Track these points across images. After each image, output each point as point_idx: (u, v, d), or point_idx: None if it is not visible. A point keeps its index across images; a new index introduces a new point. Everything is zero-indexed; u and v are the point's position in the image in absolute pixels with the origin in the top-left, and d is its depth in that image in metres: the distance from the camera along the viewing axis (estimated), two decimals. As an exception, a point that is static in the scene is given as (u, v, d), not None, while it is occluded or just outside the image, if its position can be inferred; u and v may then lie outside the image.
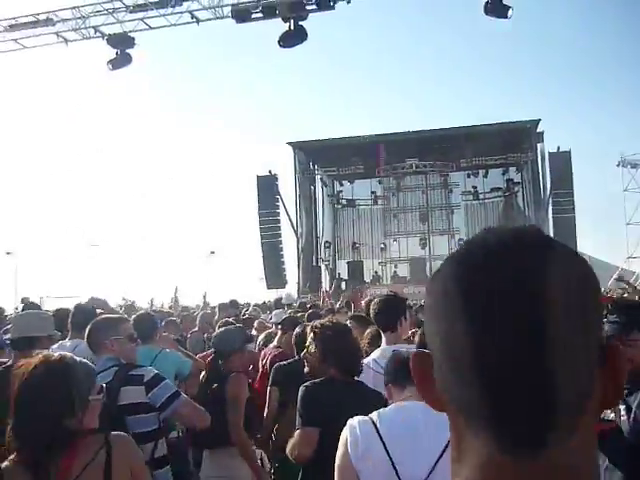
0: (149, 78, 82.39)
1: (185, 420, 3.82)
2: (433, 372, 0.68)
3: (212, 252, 41.03)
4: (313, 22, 15.03)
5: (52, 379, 2.18)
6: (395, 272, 32.61)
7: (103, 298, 6.25)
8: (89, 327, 3.68)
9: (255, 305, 13.97)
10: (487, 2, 14.06)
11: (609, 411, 2.65)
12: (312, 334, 3.54)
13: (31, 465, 2.08)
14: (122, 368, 3.44)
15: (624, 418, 2.60)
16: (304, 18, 14.86)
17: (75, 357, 2.37)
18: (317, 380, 3.36)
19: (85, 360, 2.46)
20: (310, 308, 10.19)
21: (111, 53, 16.16)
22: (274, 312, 10.13)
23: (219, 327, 6.00)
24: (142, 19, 16.32)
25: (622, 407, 2.62)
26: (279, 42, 14.98)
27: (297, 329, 5.04)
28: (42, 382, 2.16)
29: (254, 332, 8.35)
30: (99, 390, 2.38)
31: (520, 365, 0.60)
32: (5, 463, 2.11)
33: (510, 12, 14.04)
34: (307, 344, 3.58)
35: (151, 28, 16.59)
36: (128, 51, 16.21)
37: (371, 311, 4.44)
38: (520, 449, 0.61)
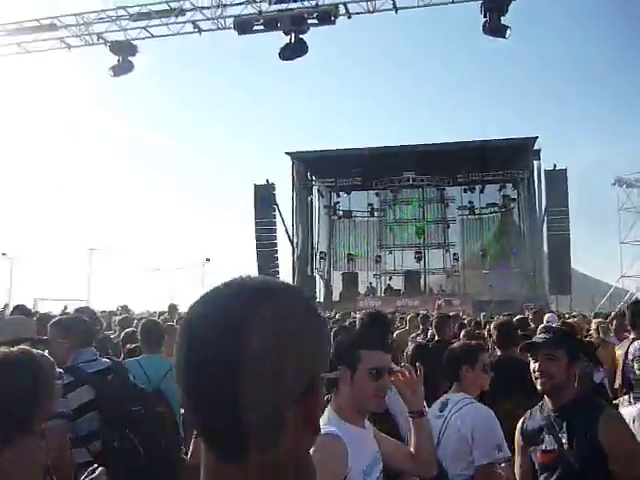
0: (151, 86, 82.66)
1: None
2: None
3: (207, 259, 41.13)
4: (314, 35, 15.21)
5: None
6: (389, 284, 32.66)
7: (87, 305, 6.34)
8: None
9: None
10: (486, 22, 14.25)
11: (549, 443, 2.78)
12: None
13: None
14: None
15: (567, 445, 2.70)
16: (305, 31, 15.00)
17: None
18: None
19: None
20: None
21: (113, 60, 16.30)
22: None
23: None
24: (145, 27, 16.48)
25: (563, 435, 2.72)
26: (280, 55, 15.12)
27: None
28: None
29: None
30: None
31: (211, 401, 0.80)
32: None
33: (508, 32, 14.22)
34: None
35: (154, 36, 16.75)
36: (130, 59, 16.34)
37: (357, 326, 4.52)
38: (224, 457, 0.82)
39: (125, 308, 15.19)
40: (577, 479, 2.64)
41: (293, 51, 15.13)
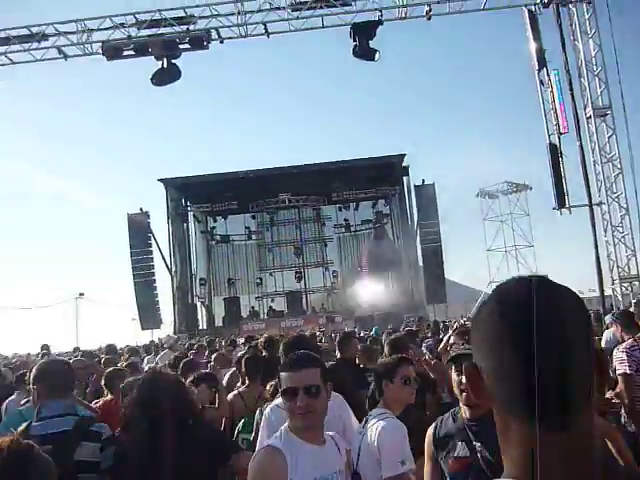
0: (12, 113, 78.31)
1: None
2: (483, 381, 0.98)
3: (81, 294, 39.32)
4: (187, 60, 15.09)
5: None
6: (271, 306, 32.66)
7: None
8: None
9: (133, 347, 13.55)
10: (355, 45, 14.78)
11: (461, 451, 2.85)
12: None
13: None
14: (83, 419, 3.21)
15: (482, 452, 2.73)
16: (177, 56, 14.86)
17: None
18: None
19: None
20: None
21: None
22: (159, 357, 9.89)
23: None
24: (4, 53, 15.64)
25: (477, 443, 2.76)
26: (152, 80, 14.86)
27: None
28: None
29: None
30: None
31: (553, 375, 0.90)
32: None
33: (377, 55, 14.84)
34: None
35: (14, 63, 15.92)
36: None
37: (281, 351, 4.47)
38: (550, 429, 0.89)
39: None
40: None
41: (165, 76, 14.93)
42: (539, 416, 0.89)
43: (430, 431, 3.05)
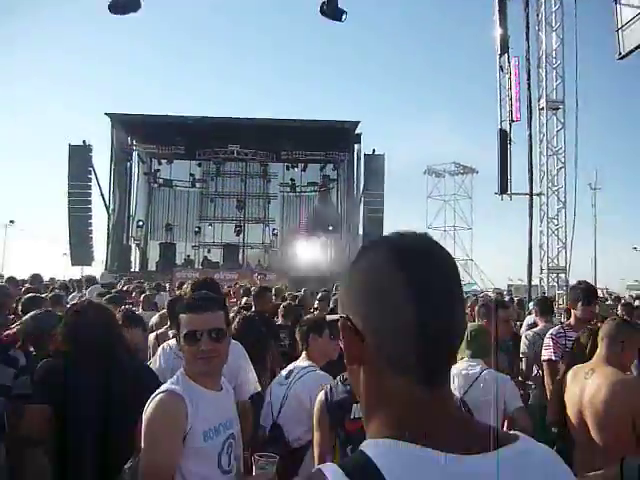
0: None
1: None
2: (357, 333, 0.94)
3: (11, 221, 38.12)
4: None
5: None
6: (206, 257, 32.40)
7: None
8: None
9: (63, 281, 13.29)
10: (323, 3, 14.51)
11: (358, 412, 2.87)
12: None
13: None
14: None
15: None
16: (138, -14, 14.26)
17: None
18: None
19: None
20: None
21: None
22: (88, 290, 9.70)
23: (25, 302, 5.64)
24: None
25: None
26: (110, 8, 14.24)
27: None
28: None
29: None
30: None
31: (443, 328, 0.91)
32: None
33: (344, 17, 14.61)
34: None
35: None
36: None
37: (187, 292, 4.43)
38: (434, 383, 0.91)
39: None
40: None
41: (125, 6, 14.34)
42: (428, 371, 0.90)
43: (321, 397, 3.07)
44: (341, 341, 0.97)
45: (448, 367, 0.94)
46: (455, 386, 3.89)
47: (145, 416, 2.34)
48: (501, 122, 18.64)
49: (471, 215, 42.63)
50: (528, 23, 18.18)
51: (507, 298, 11.60)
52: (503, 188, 18.52)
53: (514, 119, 18.31)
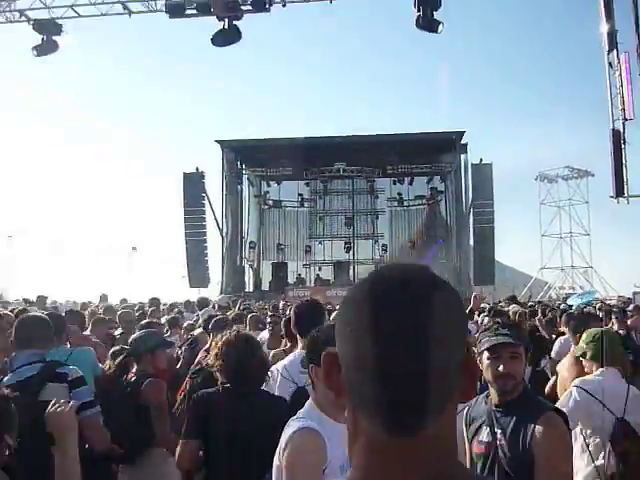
0: (76, 67, 79.87)
1: (85, 435, 3.34)
2: (338, 368, 0.90)
3: (134, 248, 40.27)
4: (247, 22, 15.01)
5: None
6: (318, 275, 32.77)
7: None
8: None
9: (175, 303, 13.86)
10: (419, 16, 14.40)
11: (485, 435, 2.81)
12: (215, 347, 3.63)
13: None
14: (49, 364, 3.41)
15: (501, 442, 2.71)
16: (239, 18, 14.80)
17: None
18: (208, 390, 3.53)
19: None
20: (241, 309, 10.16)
21: (37, 39, 15.61)
22: (200, 312, 10.04)
23: (140, 328, 5.94)
24: (71, 6, 15.85)
25: (499, 431, 2.73)
26: (212, 41, 14.86)
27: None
28: None
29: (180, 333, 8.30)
30: None
31: (409, 372, 0.83)
32: None
33: (440, 27, 14.43)
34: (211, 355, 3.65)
35: (80, 16, 16.12)
36: (55, 38, 15.70)
37: (291, 316, 4.47)
38: (403, 430, 0.84)
39: (42, 298, 14.63)
40: (505, 476, 2.63)
41: (226, 37, 14.90)
42: (390, 418, 0.84)
43: (465, 412, 3.02)
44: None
45: (420, 416, 0.84)
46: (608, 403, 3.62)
47: (285, 456, 2.34)
48: (613, 122, 17.64)
49: (589, 220, 40.64)
50: (637, 15, 17.14)
51: (631, 306, 10.93)
52: (619, 191, 17.46)
53: (627, 117, 17.28)
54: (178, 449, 3.33)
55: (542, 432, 2.56)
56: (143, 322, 6.59)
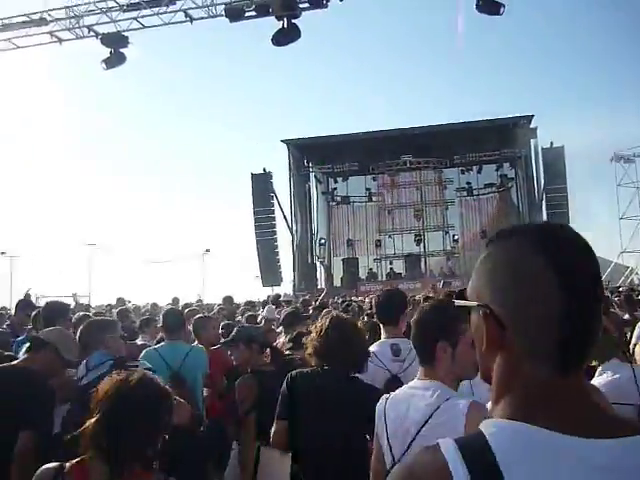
0: (143, 77, 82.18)
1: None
2: (498, 321, 0.97)
3: (207, 250, 41.09)
4: (307, 20, 15.10)
5: None
6: (391, 269, 32.66)
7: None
8: (84, 326, 3.87)
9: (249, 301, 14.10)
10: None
11: None
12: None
13: None
14: (118, 361, 3.60)
15: None
16: (297, 16, 14.90)
17: None
18: (304, 370, 3.52)
19: None
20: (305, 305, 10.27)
21: (105, 52, 16.16)
22: (266, 308, 10.18)
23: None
24: (136, 18, 16.34)
25: None
26: (272, 41, 15.01)
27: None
28: None
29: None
30: None
31: (587, 318, 0.94)
32: None
33: (502, 9, 14.11)
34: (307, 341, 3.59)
35: (145, 27, 16.60)
36: (122, 50, 16.22)
37: (373, 304, 4.48)
38: (571, 370, 0.94)
39: (121, 300, 15.19)
40: None
41: (286, 36, 15.03)
42: (566, 358, 0.93)
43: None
44: (475, 328, 1.03)
45: (586, 357, 0.96)
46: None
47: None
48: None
49: (672, 200, 38.78)
50: None
51: None
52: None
53: None
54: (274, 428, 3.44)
55: None
56: (223, 323, 6.83)
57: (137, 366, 3.61)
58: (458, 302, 1.08)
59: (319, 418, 3.25)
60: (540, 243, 0.96)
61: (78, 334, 3.88)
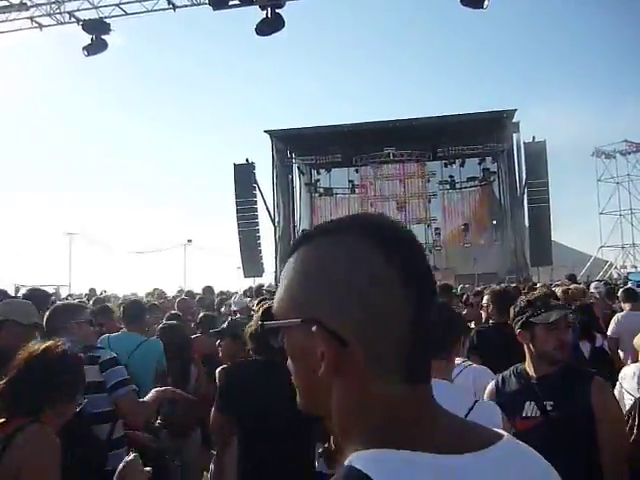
0: (125, 65, 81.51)
1: (122, 412, 3.62)
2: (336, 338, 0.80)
3: (189, 241, 40.95)
4: (290, 10, 14.99)
5: None
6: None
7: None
8: (49, 311, 3.78)
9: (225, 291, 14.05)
10: (463, -8, 14.07)
11: (530, 411, 2.74)
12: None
13: None
14: (82, 349, 3.50)
15: (552, 412, 2.69)
16: (281, 6, 14.77)
17: None
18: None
19: None
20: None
21: (86, 39, 15.93)
22: (235, 298, 10.08)
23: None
24: (118, 5, 16.11)
25: (549, 402, 2.71)
26: (256, 30, 14.87)
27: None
28: None
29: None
30: None
31: (430, 325, 0.84)
32: None
33: (486, 3, 14.07)
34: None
35: (127, 14, 16.37)
36: (104, 37, 15.98)
37: None
38: (419, 381, 0.83)
39: (93, 291, 15.12)
40: (558, 443, 2.49)
41: (269, 26, 14.88)
42: (413, 369, 0.82)
43: (492, 389, 2.95)
44: (296, 350, 0.86)
45: (429, 365, 0.86)
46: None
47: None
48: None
49: (651, 196, 39.29)
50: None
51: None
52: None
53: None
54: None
55: (598, 389, 2.66)
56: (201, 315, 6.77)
57: (100, 356, 3.60)
58: (269, 323, 0.88)
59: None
60: (377, 237, 0.82)
61: (45, 319, 3.79)
